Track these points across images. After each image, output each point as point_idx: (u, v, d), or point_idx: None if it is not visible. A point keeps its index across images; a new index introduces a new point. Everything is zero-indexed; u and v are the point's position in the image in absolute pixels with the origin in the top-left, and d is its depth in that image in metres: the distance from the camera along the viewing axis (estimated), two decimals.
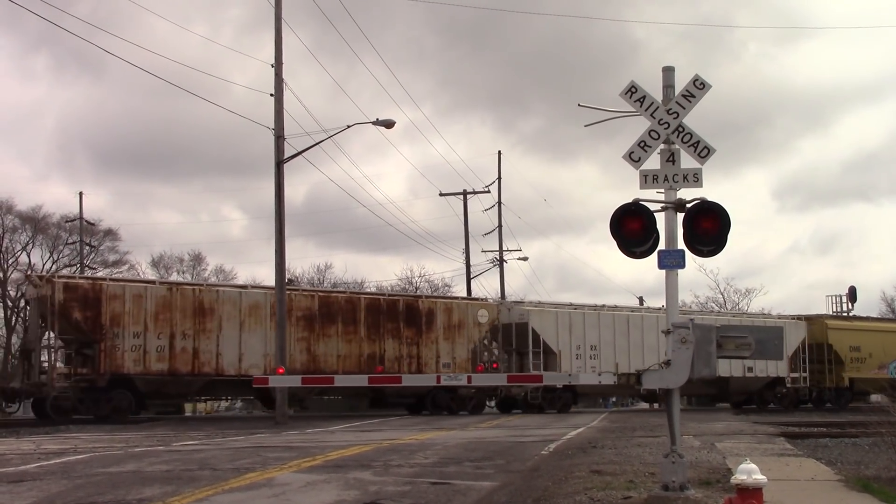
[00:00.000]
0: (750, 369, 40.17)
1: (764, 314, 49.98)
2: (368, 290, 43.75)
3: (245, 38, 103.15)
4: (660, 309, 35.77)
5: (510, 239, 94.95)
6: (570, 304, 39.67)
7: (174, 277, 64.92)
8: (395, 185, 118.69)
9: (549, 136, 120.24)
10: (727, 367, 37.49)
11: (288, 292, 30.47)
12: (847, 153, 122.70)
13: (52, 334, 29.21)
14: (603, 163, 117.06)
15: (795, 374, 42.55)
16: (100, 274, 38.50)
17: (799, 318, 44.16)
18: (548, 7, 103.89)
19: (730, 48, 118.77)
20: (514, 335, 36.52)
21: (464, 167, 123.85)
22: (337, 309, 32.67)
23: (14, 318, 54.26)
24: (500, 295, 55.71)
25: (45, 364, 28.68)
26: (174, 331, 29.49)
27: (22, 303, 29.90)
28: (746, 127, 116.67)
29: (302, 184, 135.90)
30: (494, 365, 36.83)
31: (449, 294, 56.37)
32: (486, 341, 37.17)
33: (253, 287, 33.85)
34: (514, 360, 36.88)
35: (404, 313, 33.92)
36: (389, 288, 65.98)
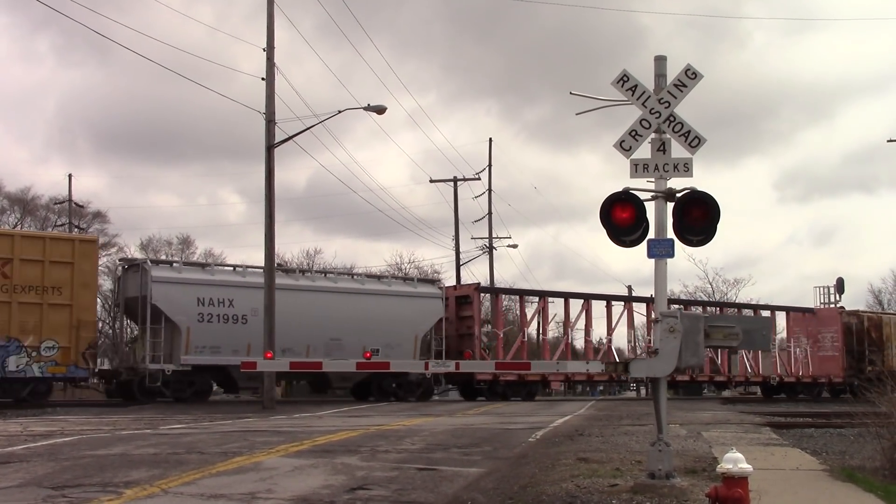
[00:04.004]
0: None
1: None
2: None
3: (252, 22, 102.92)
4: None
5: (503, 227, 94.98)
6: None
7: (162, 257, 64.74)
8: (398, 172, 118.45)
9: (553, 125, 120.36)
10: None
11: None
12: (851, 145, 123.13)
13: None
14: (605, 152, 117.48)
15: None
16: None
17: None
18: None
19: (737, 38, 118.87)
20: None
21: (465, 154, 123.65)
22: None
23: None
24: (489, 282, 55.80)
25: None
26: None
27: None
28: (750, 117, 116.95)
29: (303, 168, 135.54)
30: None
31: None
32: None
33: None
34: None
35: None
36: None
